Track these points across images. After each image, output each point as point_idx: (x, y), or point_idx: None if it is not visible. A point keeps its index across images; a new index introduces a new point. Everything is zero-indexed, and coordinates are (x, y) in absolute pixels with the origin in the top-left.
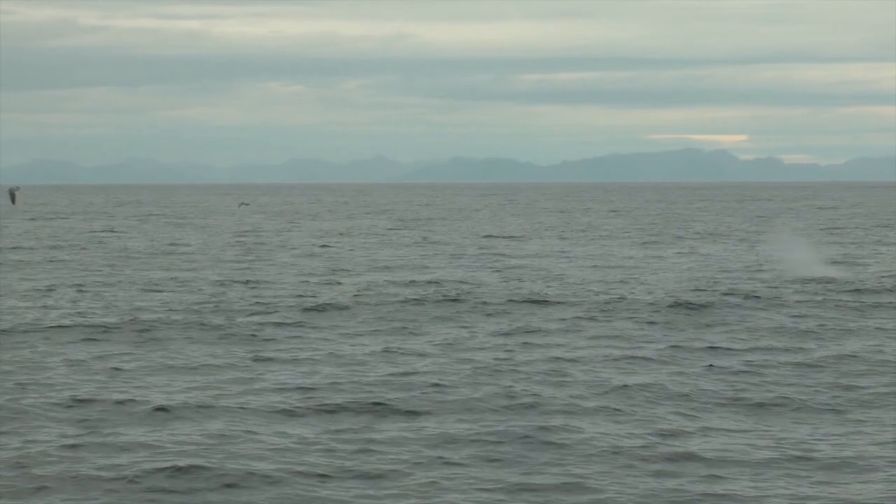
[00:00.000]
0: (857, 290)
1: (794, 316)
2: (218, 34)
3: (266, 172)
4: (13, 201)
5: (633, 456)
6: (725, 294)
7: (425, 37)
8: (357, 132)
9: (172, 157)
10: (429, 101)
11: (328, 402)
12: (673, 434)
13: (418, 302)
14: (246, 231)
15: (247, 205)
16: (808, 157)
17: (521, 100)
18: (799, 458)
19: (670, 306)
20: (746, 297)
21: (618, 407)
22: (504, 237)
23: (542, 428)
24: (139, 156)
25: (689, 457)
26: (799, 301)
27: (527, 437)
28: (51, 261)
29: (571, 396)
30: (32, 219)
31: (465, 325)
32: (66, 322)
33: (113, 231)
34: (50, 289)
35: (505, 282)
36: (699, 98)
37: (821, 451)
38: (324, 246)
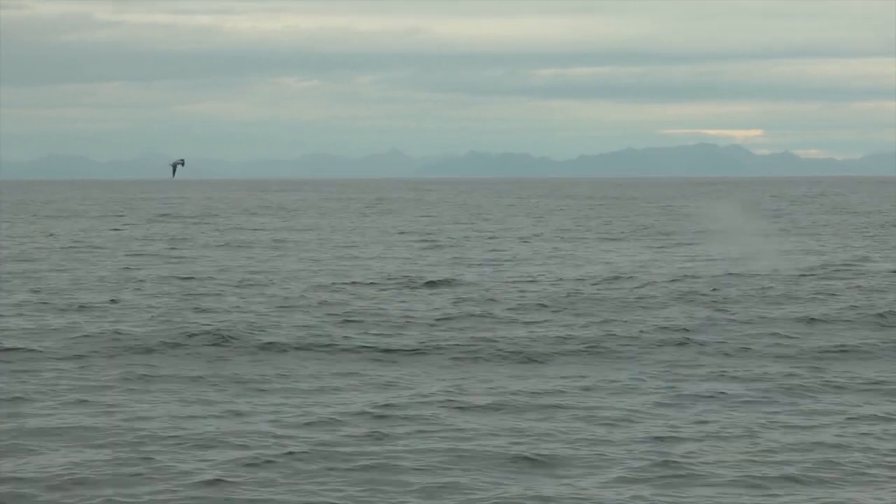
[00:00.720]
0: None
1: (778, 332)
2: (231, 29)
3: (279, 167)
4: (175, 171)
5: (634, 481)
6: (706, 305)
7: (439, 32)
8: (371, 127)
9: (185, 153)
10: (443, 95)
11: (323, 433)
12: (671, 466)
13: (412, 320)
14: (245, 228)
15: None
16: (824, 152)
17: (535, 95)
18: (793, 479)
19: (663, 327)
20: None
21: (610, 437)
22: (512, 239)
23: (535, 454)
24: (152, 151)
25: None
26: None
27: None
28: (54, 269)
29: (564, 425)
30: (36, 216)
31: (461, 349)
32: (50, 342)
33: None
34: (40, 303)
35: (508, 294)
36: (712, 93)
37: (821, 477)
38: (332, 250)
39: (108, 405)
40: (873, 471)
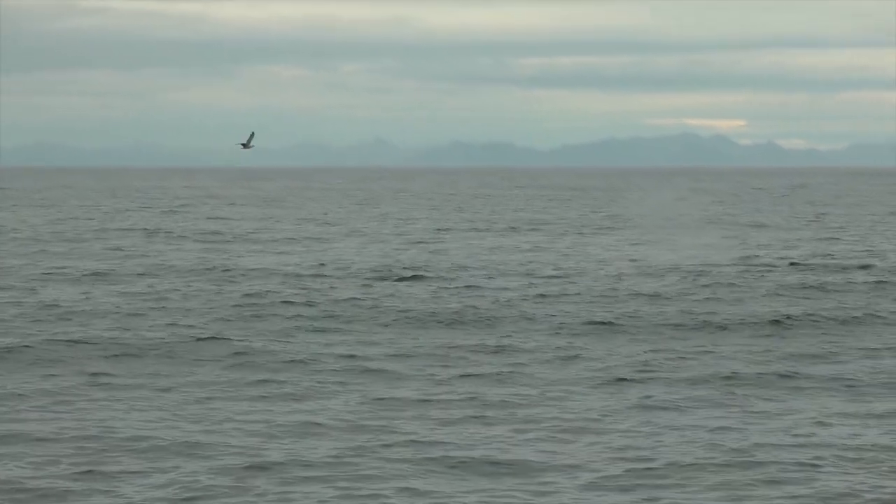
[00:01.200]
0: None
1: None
2: (219, 17)
3: (267, 156)
4: (247, 145)
5: (605, 488)
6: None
7: (426, 20)
8: (357, 116)
9: (175, 141)
10: (429, 84)
11: (292, 442)
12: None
13: (381, 330)
14: (223, 218)
15: None
16: (807, 143)
17: (520, 84)
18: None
19: (632, 329)
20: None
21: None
22: (489, 231)
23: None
24: (142, 139)
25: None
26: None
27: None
28: (25, 263)
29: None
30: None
31: (431, 356)
32: (12, 344)
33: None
34: (3, 303)
35: (479, 294)
36: (698, 83)
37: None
38: (308, 243)
39: (71, 413)
40: (848, 468)
